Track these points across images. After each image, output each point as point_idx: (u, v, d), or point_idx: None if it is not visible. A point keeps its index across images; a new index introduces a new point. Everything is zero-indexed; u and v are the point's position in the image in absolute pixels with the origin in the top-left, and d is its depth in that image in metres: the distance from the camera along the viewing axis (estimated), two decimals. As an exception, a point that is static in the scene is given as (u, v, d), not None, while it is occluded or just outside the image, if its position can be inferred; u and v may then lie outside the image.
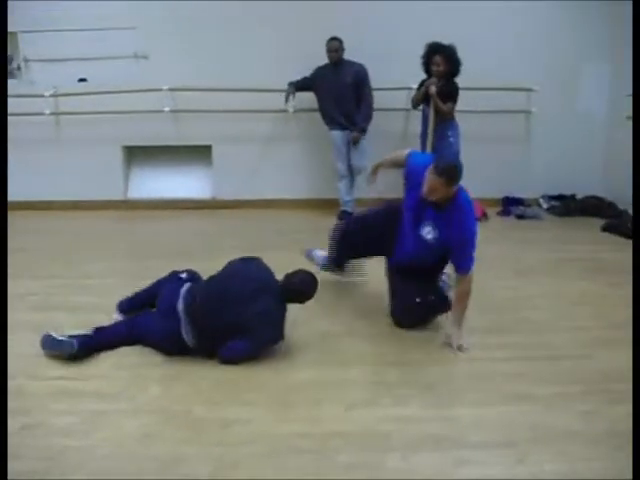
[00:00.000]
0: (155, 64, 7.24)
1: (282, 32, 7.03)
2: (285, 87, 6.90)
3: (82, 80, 7.46)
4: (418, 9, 6.95)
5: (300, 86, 6.92)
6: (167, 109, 7.27)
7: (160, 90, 7.19)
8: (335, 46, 6.65)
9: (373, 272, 4.68)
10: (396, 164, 4.24)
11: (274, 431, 2.97)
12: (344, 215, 6.94)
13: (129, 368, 3.59)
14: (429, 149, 6.30)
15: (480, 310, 4.34)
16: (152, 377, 3.50)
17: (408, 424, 3.02)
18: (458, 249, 3.80)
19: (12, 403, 3.24)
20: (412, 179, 3.91)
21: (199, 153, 7.58)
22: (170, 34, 7.17)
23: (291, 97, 6.93)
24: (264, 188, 7.51)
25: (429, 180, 3.63)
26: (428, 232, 3.88)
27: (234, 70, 7.10)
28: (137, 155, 7.79)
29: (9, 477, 2.38)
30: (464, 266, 3.80)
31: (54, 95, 7.38)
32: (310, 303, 3.86)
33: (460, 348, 3.78)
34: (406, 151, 4.15)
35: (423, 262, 4.05)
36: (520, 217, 7.19)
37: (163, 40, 7.19)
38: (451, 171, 3.63)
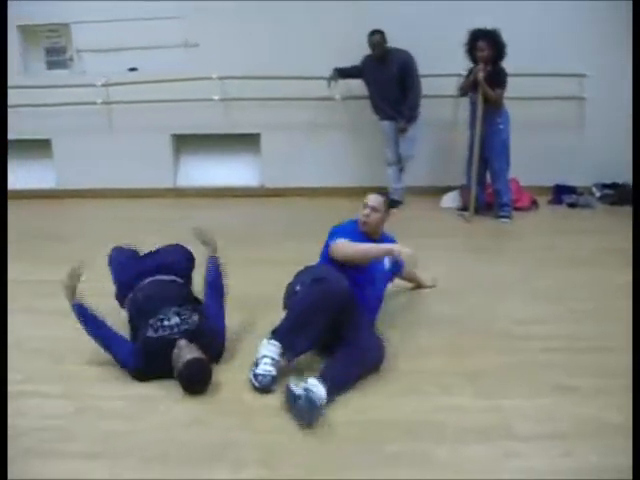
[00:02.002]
0: (205, 53, 7.29)
1: (330, 20, 7.00)
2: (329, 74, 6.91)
3: (132, 69, 7.56)
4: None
5: (347, 73, 6.88)
6: (216, 97, 7.31)
7: (209, 79, 7.23)
8: (375, 40, 6.56)
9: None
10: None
11: (320, 418, 2.98)
12: (392, 203, 6.91)
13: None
14: (478, 136, 6.23)
15: (525, 300, 4.30)
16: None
17: (455, 414, 3.01)
18: None
19: (64, 387, 3.35)
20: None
21: (248, 141, 7.62)
22: (219, 23, 7.21)
23: (333, 83, 6.91)
24: (312, 176, 7.51)
25: (370, 201, 3.92)
26: (387, 261, 3.92)
27: (283, 58, 7.11)
28: (186, 143, 7.87)
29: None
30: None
31: (105, 85, 7.49)
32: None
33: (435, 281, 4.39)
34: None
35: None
36: (572, 206, 7.05)
37: (213, 29, 7.23)
38: (383, 194, 4.12)
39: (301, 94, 7.12)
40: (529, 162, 6.77)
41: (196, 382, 3.21)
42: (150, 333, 3.35)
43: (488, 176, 6.59)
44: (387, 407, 3.08)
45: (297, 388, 2.96)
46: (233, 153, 7.77)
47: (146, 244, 4.37)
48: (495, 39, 6.04)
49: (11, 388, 3.37)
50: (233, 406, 3.10)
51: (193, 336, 3.33)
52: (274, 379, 3.19)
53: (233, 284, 3.91)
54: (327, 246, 3.86)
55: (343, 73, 6.87)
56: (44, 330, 4.06)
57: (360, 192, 7.17)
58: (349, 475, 2.63)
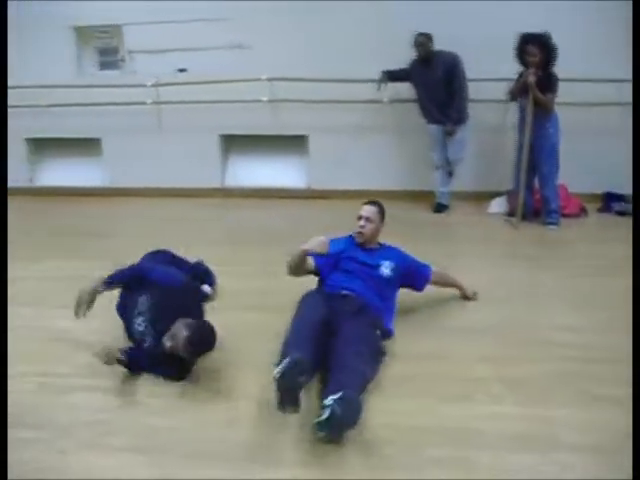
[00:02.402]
0: (254, 54, 7.32)
1: (379, 22, 6.98)
2: (377, 77, 6.90)
3: (182, 70, 7.64)
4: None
5: (395, 76, 6.87)
6: (265, 99, 7.35)
7: (258, 80, 7.27)
8: (419, 41, 6.53)
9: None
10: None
11: (363, 422, 2.97)
12: (439, 207, 6.89)
13: (220, 352, 3.67)
14: (527, 141, 6.17)
15: (568, 309, 4.25)
16: (241, 363, 3.57)
17: (497, 421, 2.98)
18: (415, 268, 4.15)
19: (109, 383, 3.41)
20: (337, 251, 3.99)
21: (295, 143, 7.65)
22: (269, 24, 7.24)
23: (382, 85, 6.91)
24: (358, 178, 7.49)
25: (365, 213, 4.04)
26: (386, 267, 3.96)
27: (331, 60, 7.09)
28: (234, 144, 7.93)
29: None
30: (427, 269, 4.19)
31: (155, 85, 7.58)
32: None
33: (475, 295, 4.31)
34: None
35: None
36: (621, 214, 6.91)
37: (262, 30, 7.26)
38: (377, 202, 4.15)
39: (349, 96, 7.12)
40: (578, 168, 6.67)
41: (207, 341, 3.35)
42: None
43: (536, 182, 6.52)
44: (429, 412, 3.07)
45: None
46: (280, 154, 7.81)
47: (189, 243, 4.42)
48: (546, 43, 5.96)
49: (60, 382, 3.48)
50: (271, 407, 3.08)
51: None
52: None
53: (276, 284, 3.95)
54: None
55: (392, 76, 6.86)
56: (88, 324, 4.12)
57: (406, 196, 7.26)
58: (387, 476, 2.64)
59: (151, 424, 3.03)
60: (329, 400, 2.74)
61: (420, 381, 3.36)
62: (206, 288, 4.42)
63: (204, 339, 3.33)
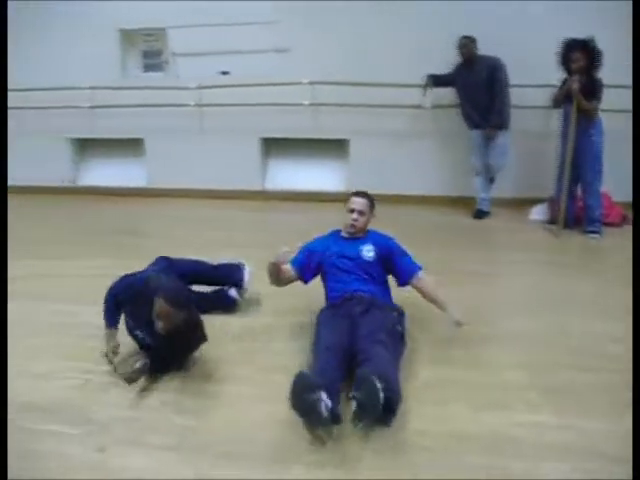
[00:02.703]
0: (296, 58, 7.36)
1: (422, 28, 6.96)
2: (421, 82, 6.88)
3: (224, 73, 7.70)
4: (560, 3, 6.71)
5: (440, 81, 6.84)
6: (306, 102, 7.38)
7: (300, 84, 7.30)
8: (462, 43, 6.53)
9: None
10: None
11: (397, 426, 2.97)
12: (479, 214, 6.84)
13: (259, 354, 3.69)
14: (570, 148, 6.10)
15: (606, 318, 4.19)
16: (273, 366, 3.58)
17: (535, 430, 2.95)
18: (400, 258, 3.95)
19: (145, 382, 3.45)
20: (319, 250, 3.99)
21: (336, 147, 7.66)
22: (311, 28, 7.28)
23: (428, 90, 6.89)
24: (399, 183, 7.47)
25: (356, 205, 4.00)
26: (368, 250, 3.93)
27: (373, 65, 7.12)
28: (275, 147, 7.96)
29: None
30: (415, 266, 3.93)
31: (198, 87, 7.65)
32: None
33: (459, 322, 3.73)
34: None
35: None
36: (664, 223, 6.82)
37: (305, 34, 7.30)
38: (365, 192, 4.15)
39: (391, 101, 7.11)
40: (621, 175, 6.57)
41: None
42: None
43: (578, 189, 6.44)
44: (466, 419, 3.05)
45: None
46: (321, 158, 7.83)
47: (228, 245, 4.44)
48: (590, 49, 5.89)
49: (99, 379, 3.52)
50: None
51: None
52: None
53: (312, 287, 3.97)
54: None
55: (436, 80, 6.83)
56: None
57: (446, 201, 7.23)
58: (423, 481, 2.64)
59: (185, 424, 3.06)
60: (352, 393, 2.82)
61: (456, 387, 3.33)
62: (232, 293, 4.43)
63: (179, 294, 3.39)
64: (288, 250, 3.63)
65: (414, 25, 7.00)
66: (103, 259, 5.51)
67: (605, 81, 6.03)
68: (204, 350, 3.75)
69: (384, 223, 6.75)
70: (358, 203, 4.01)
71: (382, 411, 2.79)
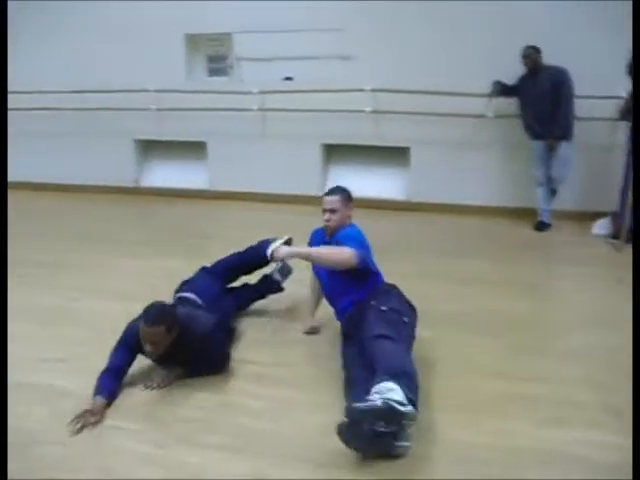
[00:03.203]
0: (358, 65, 7.37)
1: (488, 36, 6.91)
2: (484, 92, 6.83)
3: (288, 79, 7.76)
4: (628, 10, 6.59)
5: (504, 90, 6.78)
6: (368, 109, 7.39)
7: (362, 91, 7.32)
8: (526, 53, 6.45)
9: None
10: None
11: (458, 439, 2.97)
12: (541, 226, 6.76)
13: (321, 362, 3.72)
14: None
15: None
16: (339, 371, 3.58)
17: (601, 450, 2.91)
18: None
19: (211, 381, 3.52)
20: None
21: (396, 154, 7.65)
22: (375, 36, 7.29)
23: (493, 97, 6.83)
24: (460, 193, 7.42)
25: (327, 205, 3.87)
26: None
27: (435, 73, 7.08)
28: (336, 153, 7.99)
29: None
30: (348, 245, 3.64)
31: (262, 92, 7.73)
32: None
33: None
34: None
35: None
36: None
37: (368, 41, 7.31)
38: (338, 188, 3.99)
39: (453, 110, 7.07)
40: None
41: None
42: None
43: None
44: (525, 434, 3.03)
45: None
46: (381, 165, 7.82)
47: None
48: None
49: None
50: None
51: None
52: None
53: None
54: None
55: (502, 88, 6.77)
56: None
57: (507, 212, 7.16)
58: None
59: (248, 425, 3.11)
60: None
61: (520, 402, 3.31)
62: (275, 276, 4.55)
63: (158, 312, 3.39)
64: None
65: (479, 34, 6.94)
66: (163, 259, 5.62)
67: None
68: (265, 354, 3.82)
69: (442, 233, 6.79)
70: (328, 202, 3.89)
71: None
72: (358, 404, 2.75)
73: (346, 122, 7.52)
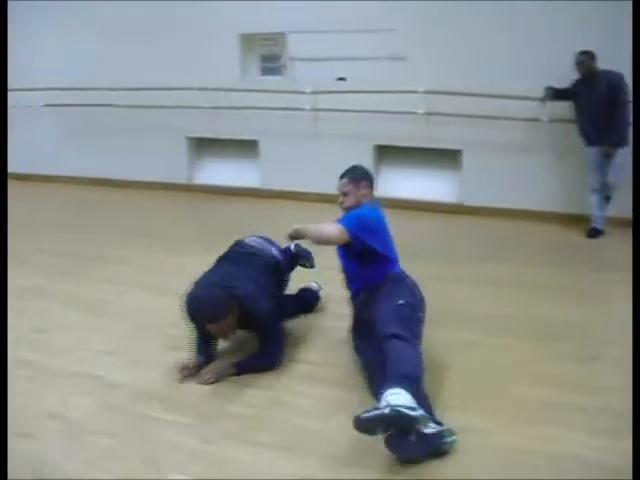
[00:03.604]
0: (411, 66, 7.34)
1: (540, 39, 6.81)
2: (538, 95, 6.74)
3: (341, 79, 7.76)
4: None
5: (558, 94, 6.69)
6: (421, 111, 7.35)
7: (415, 92, 7.28)
8: (579, 60, 6.33)
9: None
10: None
11: (503, 444, 2.94)
12: (593, 232, 6.65)
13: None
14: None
15: None
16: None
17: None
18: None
19: (263, 378, 3.56)
20: None
21: (448, 157, 7.60)
22: (427, 36, 7.25)
23: (546, 102, 6.75)
24: (511, 197, 7.32)
25: (338, 189, 3.94)
26: None
27: (490, 75, 7.01)
28: (387, 154, 7.97)
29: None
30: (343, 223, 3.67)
31: (314, 92, 7.75)
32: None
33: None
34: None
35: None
36: None
37: (421, 42, 7.28)
38: (349, 170, 4.02)
39: (507, 113, 6.99)
40: None
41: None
42: None
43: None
44: (576, 443, 2.98)
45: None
46: (432, 168, 7.77)
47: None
48: None
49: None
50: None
51: None
52: None
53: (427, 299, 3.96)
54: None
55: (555, 93, 6.67)
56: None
57: (559, 218, 7.05)
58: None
59: (297, 424, 3.12)
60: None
61: (568, 410, 3.26)
62: (313, 286, 4.64)
63: (209, 307, 3.44)
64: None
65: (535, 36, 6.85)
66: (214, 256, 5.60)
67: None
68: (314, 353, 3.83)
69: (492, 237, 6.73)
70: (339, 186, 3.97)
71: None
72: (365, 414, 2.74)
73: (398, 123, 7.49)
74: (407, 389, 2.82)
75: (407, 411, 2.73)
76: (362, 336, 3.66)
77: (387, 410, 2.72)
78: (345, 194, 3.91)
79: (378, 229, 3.78)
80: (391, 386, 2.85)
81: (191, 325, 3.71)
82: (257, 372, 3.63)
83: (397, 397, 2.78)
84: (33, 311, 4.62)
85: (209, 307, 3.42)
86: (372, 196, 4.01)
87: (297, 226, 3.80)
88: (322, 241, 3.73)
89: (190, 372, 3.58)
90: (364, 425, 2.73)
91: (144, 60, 8.40)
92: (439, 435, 2.83)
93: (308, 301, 4.55)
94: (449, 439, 2.85)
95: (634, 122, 5.29)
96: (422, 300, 3.61)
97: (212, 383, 3.53)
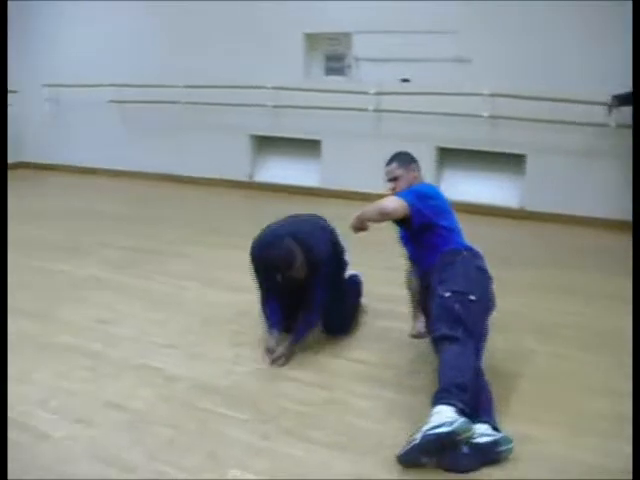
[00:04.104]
0: (476, 68, 7.29)
1: (612, 41, 6.67)
2: (606, 100, 6.60)
3: (405, 80, 7.73)
4: None
5: (625, 101, 6.54)
6: (485, 114, 7.27)
7: (480, 95, 7.21)
8: None
9: None
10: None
11: (565, 455, 2.87)
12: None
13: (430, 364, 3.68)
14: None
15: None
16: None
17: None
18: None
19: (319, 377, 3.56)
20: None
21: (512, 161, 7.50)
22: (492, 38, 7.18)
23: (614, 110, 6.61)
24: (576, 204, 7.20)
25: (388, 175, 3.89)
26: None
27: (555, 78, 6.92)
28: (449, 156, 7.90)
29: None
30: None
31: (378, 93, 7.73)
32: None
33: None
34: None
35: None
36: None
37: (486, 45, 7.21)
38: (395, 155, 3.95)
39: (573, 117, 6.87)
40: None
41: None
42: None
43: None
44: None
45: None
46: (495, 171, 7.68)
47: (391, 250, 4.46)
48: None
49: (271, 370, 3.64)
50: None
51: None
52: None
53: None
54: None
55: (622, 100, 6.54)
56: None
57: (626, 226, 6.84)
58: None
59: (353, 424, 3.10)
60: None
61: (620, 420, 3.14)
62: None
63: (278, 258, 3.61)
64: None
65: (602, 39, 6.73)
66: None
67: None
68: (372, 354, 3.81)
69: (555, 243, 6.62)
70: (388, 172, 3.90)
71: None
72: (402, 451, 2.74)
73: (462, 126, 7.44)
74: (452, 400, 2.79)
75: (441, 429, 2.68)
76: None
77: (418, 439, 2.70)
78: (396, 179, 3.83)
79: (437, 198, 3.72)
80: (434, 403, 2.83)
81: (260, 277, 3.88)
82: (304, 337, 3.83)
83: (435, 417, 2.75)
84: (95, 302, 4.70)
85: (279, 257, 3.61)
86: (422, 179, 3.94)
87: (356, 213, 3.71)
88: (383, 215, 3.57)
89: (277, 353, 3.70)
90: (407, 460, 2.73)
91: (209, 58, 8.51)
92: (494, 444, 2.78)
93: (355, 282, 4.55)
94: (504, 447, 2.79)
95: (634, 122, 5.16)
96: (484, 282, 3.45)
97: (283, 365, 3.66)
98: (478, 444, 2.75)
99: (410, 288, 4.08)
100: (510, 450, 2.80)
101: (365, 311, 4.52)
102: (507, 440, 2.81)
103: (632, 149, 5.41)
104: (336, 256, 4.11)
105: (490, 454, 2.77)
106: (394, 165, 3.88)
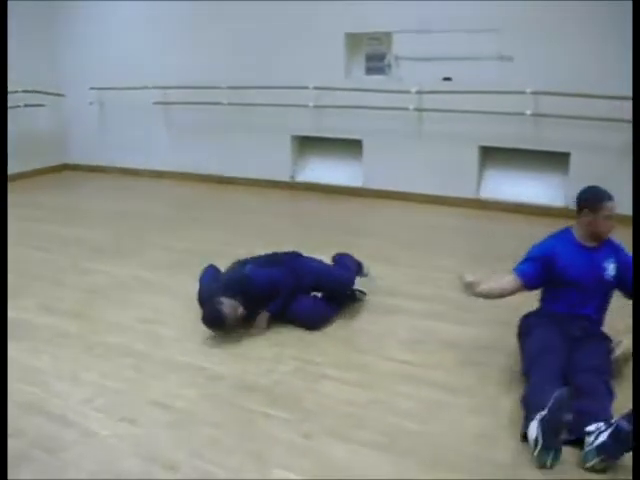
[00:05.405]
0: (518, 66, 7.19)
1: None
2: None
3: (447, 79, 7.67)
4: None
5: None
6: (528, 112, 7.19)
7: (523, 93, 7.14)
8: None
9: None
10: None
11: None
12: None
13: (474, 365, 3.67)
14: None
15: None
16: (495, 378, 3.55)
17: None
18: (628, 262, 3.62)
19: (361, 377, 3.59)
20: (549, 255, 3.67)
21: (555, 160, 7.39)
22: (534, 36, 7.07)
23: None
24: (623, 202, 7.05)
25: (610, 211, 3.60)
26: (612, 269, 3.56)
27: (598, 75, 6.80)
28: (491, 156, 7.84)
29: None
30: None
31: (419, 92, 7.69)
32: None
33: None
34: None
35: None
36: None
37: (528, 43, 7.11)
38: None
39: (617, 115, 6.75)
40: None
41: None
42: None
43: None
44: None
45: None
46: (539, 170, 7.58)
47: (432, 252, 4.44)
48: None
49: (313, 369, 3.66)
50: (519, 426, 3.01)
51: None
52: None
53: (519, 299, 3.87)
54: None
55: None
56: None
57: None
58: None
59: (397, 424, 3.12)
60: (594, 427, 2.72)
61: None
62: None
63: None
64: (472, 281, 3.58)
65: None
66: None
67: None
68: (415, 354, 3.81)
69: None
70: (613, 207, 3.62)
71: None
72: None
73: (504, 124, 7.35)
74: None
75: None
76: (551, 328, 3.50)
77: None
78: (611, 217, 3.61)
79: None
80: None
81: None
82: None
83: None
84: (139, 302, 4.78)
85: (210, 320, 4.13)
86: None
87: (469, 280, 3.61)
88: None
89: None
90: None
91: (251, 59, 8.53)
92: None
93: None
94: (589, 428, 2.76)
95: (634, 122, 5.05)
96: None
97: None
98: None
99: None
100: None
101: (406, 312, 4.52)
102: None
103: (632, 147, 5.32)
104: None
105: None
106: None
